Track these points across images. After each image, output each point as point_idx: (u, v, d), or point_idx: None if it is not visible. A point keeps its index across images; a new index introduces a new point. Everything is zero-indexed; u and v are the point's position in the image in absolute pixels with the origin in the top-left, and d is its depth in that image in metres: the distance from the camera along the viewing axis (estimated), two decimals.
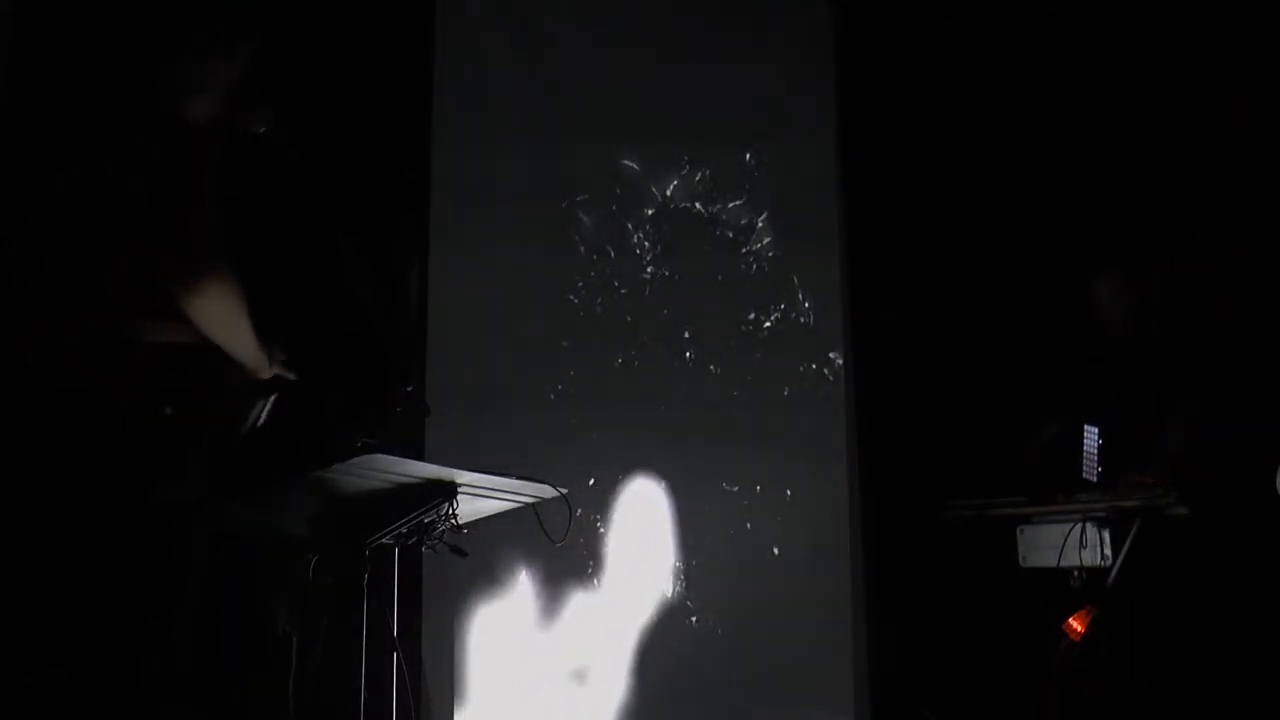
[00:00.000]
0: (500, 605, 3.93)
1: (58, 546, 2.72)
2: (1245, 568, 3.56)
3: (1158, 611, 3.60)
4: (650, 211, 4.41)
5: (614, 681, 4.08)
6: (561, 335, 4.20)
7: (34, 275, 2.81)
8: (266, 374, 2.92)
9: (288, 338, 3.07)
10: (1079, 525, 3.73)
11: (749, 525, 4.37)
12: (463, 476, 2.75)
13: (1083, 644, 3.60)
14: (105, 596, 2.71)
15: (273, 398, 2.91)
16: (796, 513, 4.43)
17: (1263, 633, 3.55)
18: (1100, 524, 3.71)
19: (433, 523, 2.79)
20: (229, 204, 2.97)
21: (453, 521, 2.78)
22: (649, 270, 4.39)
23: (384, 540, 2.82)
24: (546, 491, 2.89)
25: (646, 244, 4.39)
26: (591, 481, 4.11)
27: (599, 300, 4.29)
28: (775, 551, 4.38)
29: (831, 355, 4.62)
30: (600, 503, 4.14)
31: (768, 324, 4.54)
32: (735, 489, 4.38)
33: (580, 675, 4.04)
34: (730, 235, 4.53)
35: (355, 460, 2.59)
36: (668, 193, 4.45)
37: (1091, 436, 3.84)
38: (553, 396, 4.15)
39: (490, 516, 2.98)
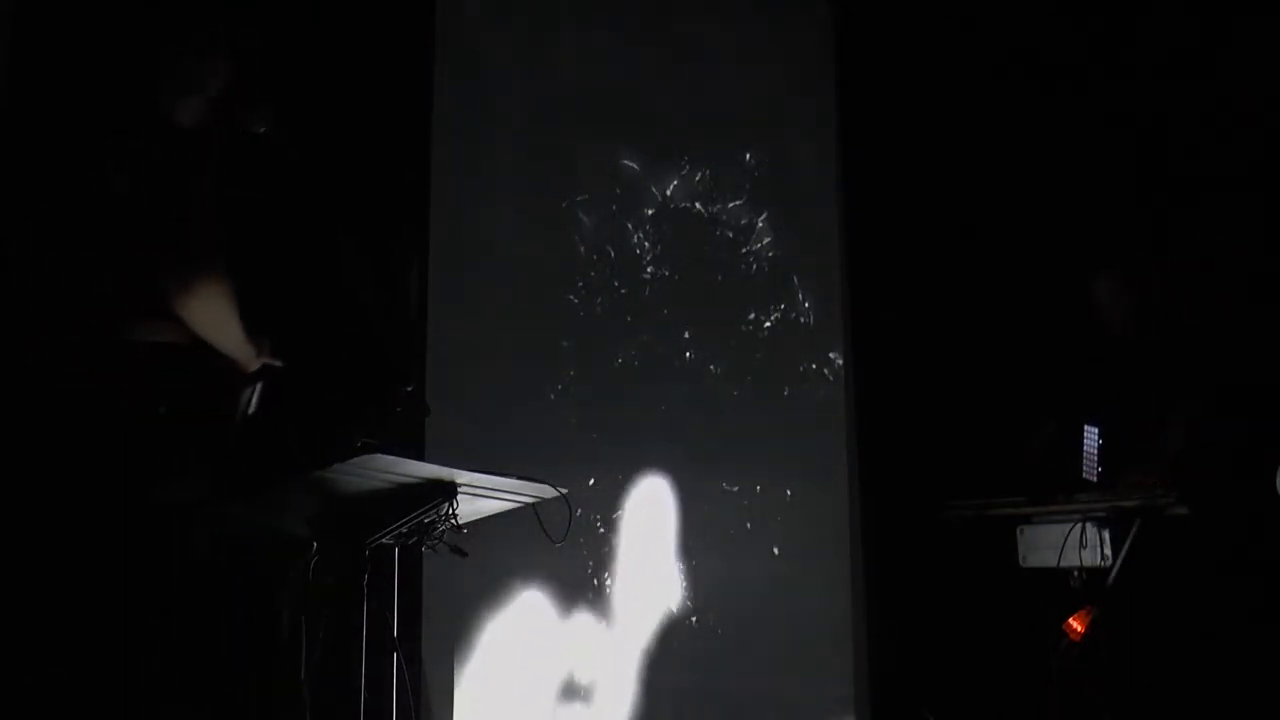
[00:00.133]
0: (500, 605, 3.92)
1: (58, 546, 2.72)
2: (1245, 568, 3.56)
3: (1158, 611, 3.60)
4: (650, 211, 4.41)
5: (614, 681, 4.08)
6: (561, 335, 4.20)
7: (34, 275, 2.81)
8: (254, 364, 2.92)
9: (288, 337, 3.07)
10: (1079, 525, 3.74)
11: (749, 525, 4.37)
12: (463, 476, 2.75)
13: (1083, 644, 3.60)
14: (105, 596, 2.71)
15: (259, 385, 2.92)
16: (796, 513, 4.43)
17: (1263, 633, 3.55)
18: (1100, 524, 3.71)
19: (433, 523, 2.79)
20: (229, 204, 2.97)
21: (453, 521, 2.78)
22: (649, 270, 4.39)
23: (384, 540, 2.82)
24: (546, 491, 2.89)
25: (646, 244, 4.39)
26: (591, 481, 4.11)
27: (599, 300, 4.29)
28: (775, 551, 4.38)
29: (831, 355, 4.62)
30: (600, 503, 4.13)
31: (768, 324, 4.55)
32: (735, 489, 4.38)
33: (580, 675, 4.04)
34: (730, 235, 4.53)
35: (355, 460, 2.59)
36: (668, 193, 4.45)
37: (1091, 436, 3.84)
38: (553, 396, 4.15)
39: (490, 516, 2.98)
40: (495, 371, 4.03)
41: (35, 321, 2.79)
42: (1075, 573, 3.75)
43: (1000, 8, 4.64)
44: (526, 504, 2.93)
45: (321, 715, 2.94)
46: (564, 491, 2.87)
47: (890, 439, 4.54)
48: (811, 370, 4.58)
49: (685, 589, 4.24)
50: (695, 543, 4.27)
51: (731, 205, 4.54)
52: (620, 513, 4.18)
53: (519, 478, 2.83)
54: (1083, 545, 3.72)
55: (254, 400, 2.93)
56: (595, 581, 4.11)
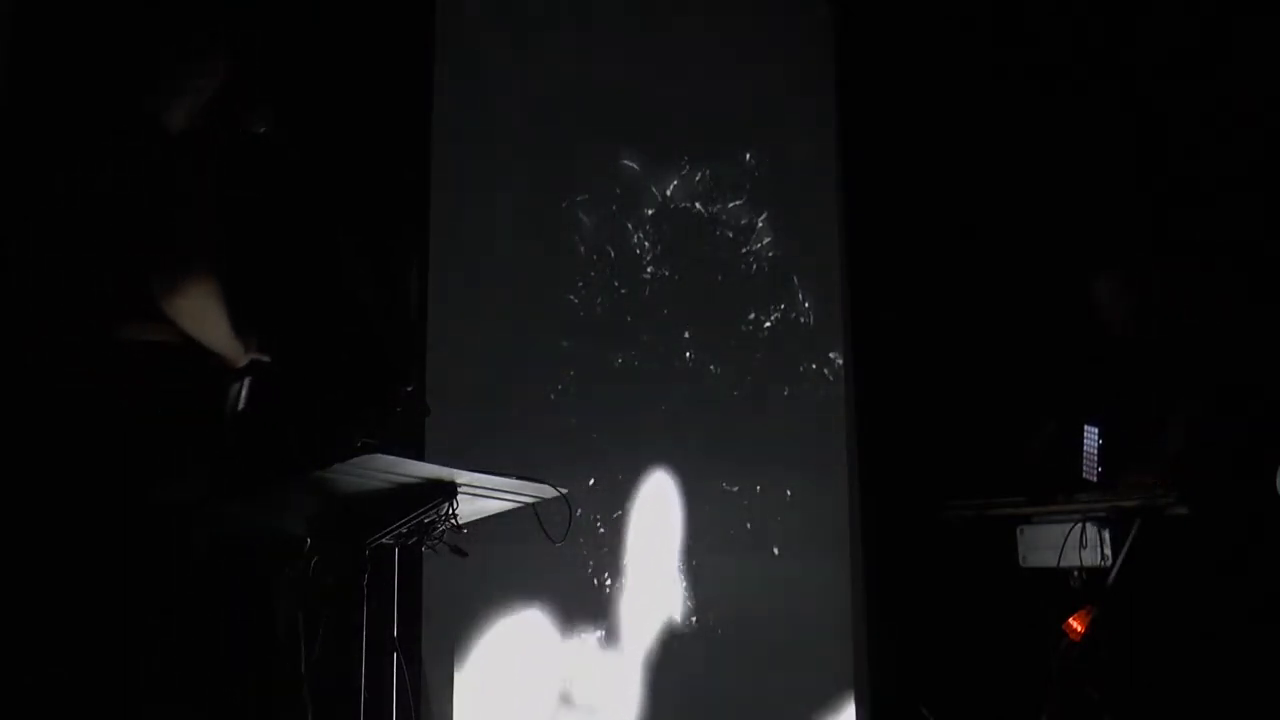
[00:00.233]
0: (500, 605, 3.92)
1: (58, 546, 2.72)
2: (1245, 568, 3.56)
3: (1158, 611, 3.60)
4: (650, 211, 4.41)
5: (613, 681, 4.08)
6: (561, 335, 4.20)
7: (34, 275, 2.81)
8: (242, 361, 2.92)
9: (288, 337, 3.07)
10: (1079, 525, 3.74)
11: (749, 525, 4.37)
12: (463, 476, 2.75)
13: (1083, 644, 3.60)
14: (105, 596, 2.71)
15: (247, 380, 2.92)
16: (796, 513, 4.43)
17: (1263, 633, 3.55)
18: (1100, 524, 3.71)
19: (433, 523, 2.79)
20: (229, 204, 2.97)
21: (453, 521, 2.78)
22: (649, 270, 4.39)
23: (384, 540, 2.82)
24: (546, 491, 2.89)
25: (646, 244, 4.39)
26: (591, 481, 4.11)
27: (599, 300, 4.29)
28: (775, 551, 4.38)
29: (831, 355, 4.62)
30: (600, 503, 4.13)
31: (768, 324, 4.55)
32: (735, 489, 4.38)
33: (579, 675, 4.04)
34: (730, 235, 4.53)
35: (355, 460, 2.59)
36: (668, 193, 4.45)
37: (1091, 436, 3.84)
38: (553, 396, 4.15)
39: (490, 516, 2.98)
40: (495, 371, 4.03)
41: (35, 321, 2.79)
42: (1075, 573, 3.75)
43: (1000, 8, 4.64)
44: (526, 504, 2.93)
45: (321, 715, 2.94)
46: (564, 491, 2.87)
47: (890, 439, 4.54)
48: (811, 370, 4.58)
49: (685, 589, 4.24)
50: (695, 543, 4.27)
51: (731, 205, 4.54)
52: (620, 513, 4.18)
53: (519, 478, 2.82)
54: (1083, 545, 3.72)
55: (243, 396, 2.93)
56: (595, 581, 4.11)
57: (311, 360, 3.45)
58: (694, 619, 4.23)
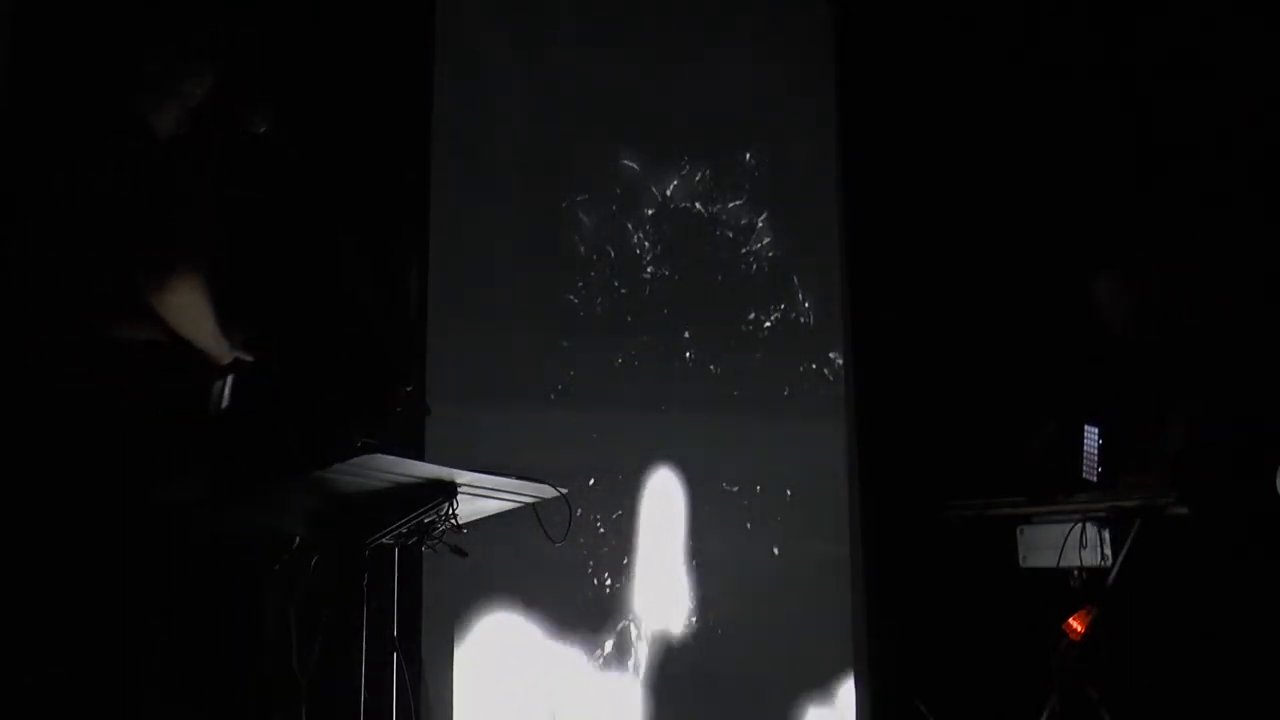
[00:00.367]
0: (500, 605, 3.92)
1: (57, 546, 2.72)
2: (1245, 568, 3.56)
3: (1158, 611, 3.60)
4: (650, 211, 4.41)
5: (614, 681, 4.08)
6: (561, 335, 4.20)
7: (33, 275, 2.81)
8: (226, 359, 2.92)
9: (288, 337, 3.07)
10: (1079, 525, 3.74)
11: (749, 525, 4.37)
12: (463, 476, 2.75)
13: (1083, 644, 3.60)
14: (104, 596, 2.71)
15: (230, 378, 2.92)
16: (796, 513, 4.42)
17: (1263, 633, 3.55)
18: (1100, 524, 3.71)
19: (433, 523, 2.79)
20: (229, 204, 2.97)
21: (453, 521, 2.78)
22: (649, 270, 4.39)
23: (384, 540, 2.82)
24: (546, 491, 2.89)
25: (646, 244, 4.39)
26: (591, 481, 4.11)
27: (599, 300, 4.29)
28: (775, 551, 4.38)
29: (831, 355, 4.62)
30: (600, 503, 4.13)
31: (768, 324, 4.54)
32: (735, 489, 4.37)
33: (579, 675, 4.04)
34: (730, 235, 4.53)
35: (355, 460, 2.59)
36: (668, 193, 4.45)
37: (1091, 436, 3.84)
38: (553, 396, 4.15)
39: (490, 516, 2.98)
40: (495, 371, 4.03)
41: (34, 321, 2.79)
42: (1075, 573, 3.75)
43: (1000, 7, 4.64)
44: (526, 504, 2.93)
45: (321, 715, 2.94)
46: (564, 491, 2.87)
47: (890, 439, 4.54)
48: (811, 370, 4.58)
49: (685, 588, 4.24)
50: (695, 542, 4.27)
51: (731, 205, 4.54)
52: (620, 513, 4.18)
53: (519, 478, 2.82)
54: (1083, 545, 3.72)
55: (225, 394, 2.92)
56: (595, 581, 4.11)
57: (311, 360, 3.45)
58: (694, 618, 4.23)
